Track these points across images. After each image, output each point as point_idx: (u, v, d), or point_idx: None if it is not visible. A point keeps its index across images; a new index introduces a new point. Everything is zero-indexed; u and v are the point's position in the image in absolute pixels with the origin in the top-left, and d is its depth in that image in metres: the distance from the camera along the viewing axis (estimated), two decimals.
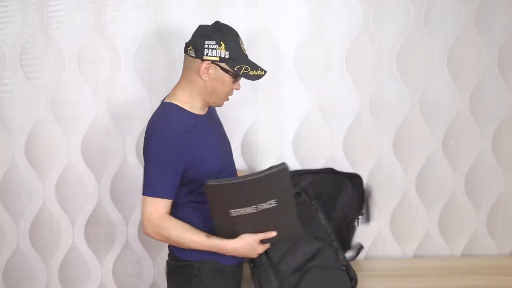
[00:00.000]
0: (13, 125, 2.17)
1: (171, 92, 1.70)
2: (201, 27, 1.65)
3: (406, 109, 2.30)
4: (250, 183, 1.53)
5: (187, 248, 1.61)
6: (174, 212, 1.64)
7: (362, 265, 2.29)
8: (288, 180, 1.57)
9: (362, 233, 2.38)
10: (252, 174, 1.55)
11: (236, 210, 1.54)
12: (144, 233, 1.62)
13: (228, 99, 1.71)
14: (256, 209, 1.54)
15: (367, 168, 2.33)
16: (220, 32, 1.60)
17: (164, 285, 1.84)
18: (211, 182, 1.52)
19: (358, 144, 2.31)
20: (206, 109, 1.71)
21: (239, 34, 1.66)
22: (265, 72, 1.66)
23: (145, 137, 1.64)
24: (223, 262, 1.69)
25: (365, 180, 2.26)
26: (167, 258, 1.78)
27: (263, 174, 1.53)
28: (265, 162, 2.27)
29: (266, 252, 1.75)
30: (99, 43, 2.15)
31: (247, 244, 1.60)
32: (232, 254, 1.62)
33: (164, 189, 1.59)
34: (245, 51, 1.65)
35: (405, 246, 2.41)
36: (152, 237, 1.61)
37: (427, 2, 2.22)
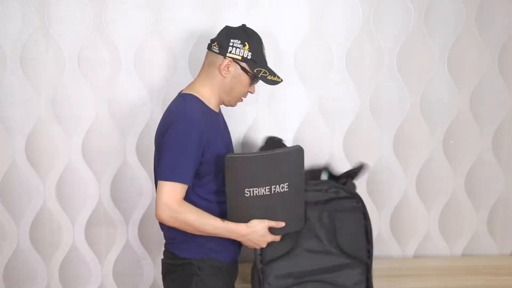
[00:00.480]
0: (14, 125, 2.17)
1: (189, 85, 1.74)
2: (228, 27, 1.71)
3: (406, 109, 2.30)
4: (267, 158, 1.59)
5: (202, 232, 1.61)
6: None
7: None
8: (302, 164, 1.64)
9: None
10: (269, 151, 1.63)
11: (250, 189, 1.57)
12: (157, 218, 1.60)
13: (242, 100, 1.77)
14: (269, 191, 1.58)
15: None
16: (246, 33, 1.68)
17: None
18: (231, 154, 1.59)
19: (358, 144, 2.31)
20: (219, 108, 1.76)
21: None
22: (282, 80, 1.72)
23: (166, 125, 1.63)
24: (222, 260, 1.70)
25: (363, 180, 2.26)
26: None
27: (280, 151, 1.62)
28: None
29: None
30: (100, 43, 2.15)
31: (258, 230, 1.62)
32: (243, 239, 1.63)
33: (184, 174, 1.58)
34: (266, 57, 1.72)
35: (405, 246, 2.41)
36: (166, 223, 1.60)
37: (427, 2, 2.22)
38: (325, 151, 2.31)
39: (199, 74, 1.74)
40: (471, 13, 2.25)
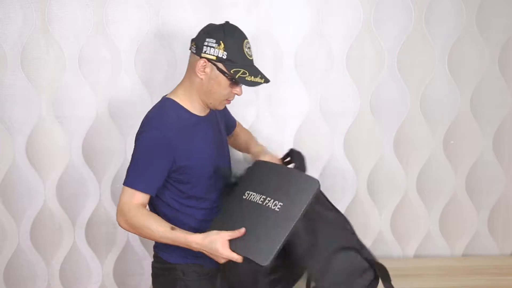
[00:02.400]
0: (14, 125, 2.17)
1: (174, 89, 1.68)
2: (208, 25, 1.62)
3: (407, 109, 2.30)
4: (286, 171, 1.59)
5: (152, 238, 1.57)
6: (171, 218, 1.63)
7: None
8: (308, 197, 1.50)
9: (363, 233, 2.38)
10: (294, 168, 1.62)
11: (250, 192, 1.54)
12: (118, 223, 1.59)
13: (228, 102, 1.67)
14: (262, 201, 1.51)
15: (367, 168, 2.33)
16: (223, 32, 1.56)
17: None
18: (263, 159, 1.64)
19: (359, 144, 2.31)
20: (207, 111, 1.68)
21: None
22: (266, 80, 1.60)
23: (138, 129, 1.61)
24: (208, 266, 1.66)
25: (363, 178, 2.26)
26: None
27: (302, 173, 1.58)
28: None
29: None
30: (100, 43, 2.15)
31: (211, 242, 1.46)
32: (197, 250, 1.51)
33: (146, 183, 1.56)
34: (249, 56, 1.59)
35: (405, 246, 2.41)
36: (122, 227, 1.58)
37: (428, 2, 2.22)
38: (326, 151, 2.31)
39: (182, 79, 1.67)
40: (471, 13, 2.25)
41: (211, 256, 1.50)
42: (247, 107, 2.23)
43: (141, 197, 1.55)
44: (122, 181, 2.27)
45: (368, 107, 2.29)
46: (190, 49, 1.62)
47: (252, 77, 1.57)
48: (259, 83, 1.58)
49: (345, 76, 2.26)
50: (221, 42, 1.54)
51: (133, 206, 1.54)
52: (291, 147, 1.79)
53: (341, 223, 1.67)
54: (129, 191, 1.55)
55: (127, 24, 2.14)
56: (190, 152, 1.59)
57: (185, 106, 1.62)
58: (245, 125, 2.26)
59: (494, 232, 2.43)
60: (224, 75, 1.56)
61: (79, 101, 2.18)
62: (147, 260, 2.31)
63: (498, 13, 2.26)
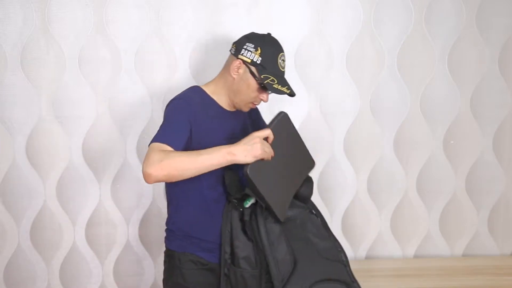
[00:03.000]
0: (14, 125, 2.17)
1: (206, 83, 1.76)
2: (251, 33, 1.73)
3: (407, 109, 2.30)
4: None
5: (193, 169, 1.49)
6: (176, 210, 1.69)
7: (363, 265, 2.29)
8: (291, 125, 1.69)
9: (363, 233, 2.39)
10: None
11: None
12: (145, 175, 1.46)
13: (253, 106, 1.74)
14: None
15: (367, 168, 2.33)
16: (263, 40, 1.68)
17: None
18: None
19: (359, 144, 2.31)
20: (233, 108, 1.75)
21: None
22: (292, 93, 1.67)
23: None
24: (206, 258, 1.69)
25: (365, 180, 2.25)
26: None
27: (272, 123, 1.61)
28: None
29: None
30: (100, 43, 2.15)
31: (249, 137, 1.52)
32: (234, 152, 1.49)
33: (171, 137, 1.54)
34: (282, 68, 1.69)
35: (405, 246, 2.41)
36: (154, 176, 1.46)
37: (428, 2, 2.22)
38: (326, 151, 2.31)
39: (217, 75, 1.76)
40: (471, 13, 2.25)
41: (245, 152, 1.49)
42: None
43: (168, 148, 1.52)
44: (122, 181, 2.28)
45: (368, 107, 2.29)
46: (230, 50, 1.72)
47: (280, 86, 1.66)
48: (284, 93, 1.67)
49: (345, 76, 2.26)
50: (259, 48, 1.66)
51: (161, 151, 1.48)
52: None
53: (334, 254, 1.70)
54: (155, 145, 1.52)
55: (127, 24, 2.14)
56: (207, 132, 1.63)
57: (213, 97, 1.71)
58: None
59: (494, 232, 2.43)
60: (255, 78, 1.65)
61: (79, 101, 2.18)
62: (147, 260, 2.31)
63: (498, 13, 2.26)
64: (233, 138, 1.69)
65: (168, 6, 2.15)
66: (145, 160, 1.49)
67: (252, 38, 1.68)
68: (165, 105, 1.66)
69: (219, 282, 1.71)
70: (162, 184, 2.25)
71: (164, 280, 1.77)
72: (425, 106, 2.31)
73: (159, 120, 1.66)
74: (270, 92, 1.68)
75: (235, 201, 1.64)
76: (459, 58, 2.28)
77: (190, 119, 1.60)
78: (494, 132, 2.36)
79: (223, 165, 1.51)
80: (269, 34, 1.72)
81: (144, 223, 2.28)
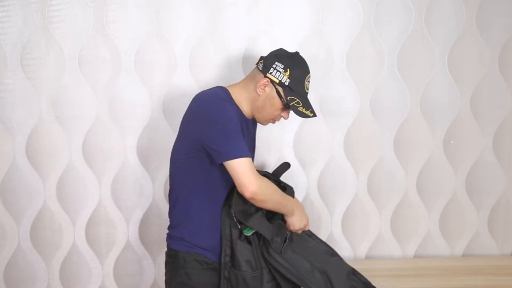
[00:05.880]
0: (14, 125, 2.17)
1: (229, 85, 1.76)
2: (281, 50, 1.73)
3: (407, 109, 2.30)
4: None
5: (279, 203, 1.67)
6: (186, 204, 1.70)
7: (362, 265, 2.28)
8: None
9: (363, 233, 2.39)
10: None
11: None
12: (249, 193, 1.55)
13: (273, 122, 1.77)
14: None
15: (367, 168, 2.33)
16: (293, 60, 1.68)
17: None
18: None
19: (359, 144, 2.31)
20: (251, 117, 1.76)
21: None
22: (314, 115, 1.70)
23: (200, 108, 1.63)
24: (210, 257, 1.70)
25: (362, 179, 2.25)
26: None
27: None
28: (266, 161, 2.27)
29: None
30: (100, 43, 2.15)
31: (302, 211, 1.77)
32: (297, 210, 1.74)
33: (243, 148, 1.57)
34: (307, 89, 1.71)
35: (405, 246, 2.41)
36: (257, 194, 1.55)
37: (428, 2, 2.22)
38: (326, 151, 2.31)
39: (240, 82, 1.75)
40: (471, 13, 2.25)
41: (298, 217, 1.74)
42: None
43: (252, 163, 1.59)
44: (122, 181, 2.28)
45: (368, 107, 2.29)
46: (257, 64, 1.71)
47: (304, 109, 1.69)
48: (308, 116, 1.69)
49: (345, 76, 2.26)
50: (288, 69, 1.65)
51: (258, 175, 1.58)
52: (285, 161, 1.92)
53: (330, 249, 1.81)
54: (242, 161, 1.54)
55: (127, 24, 2.14)
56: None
57: (236, 102, 1.70)
58: None
59: (494, 232, 2.43)
60: (281, 99, 1.67)
61: (79, 101, 2.18)
62: (147, 260, 2.31)
63: (498, 13, 2.26)
64: (249, 146, 1.75)
65: (168, 6, 2.15)
66: (243, 179, 1.53)
67: (282, 57, 1.67)
68: (198, 101, 1.65)
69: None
70: (163, 185, 2.25)
71: (167, 281, 1.76)
72: (425, 106, 2.31)
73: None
74: (290, 110, 1.71)
75: (237, 222, 1.68)
76: (459, 58, 2.28)
77: (238, 122, 1.61)
78: (494, 132, 2.36)
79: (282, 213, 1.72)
80: (297, 53, 1.72)
81: (144, 223, 2.28)
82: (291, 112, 1.72)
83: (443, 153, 2.35)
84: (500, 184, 2.40)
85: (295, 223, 1.73)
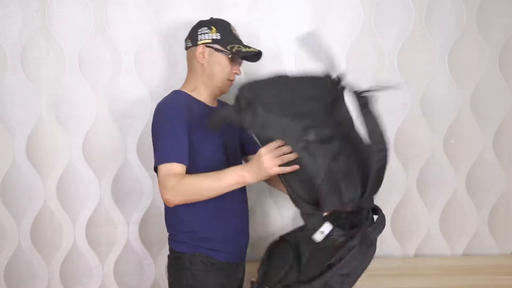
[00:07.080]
0: (14, 125, 2.17)
1: (181, 86, 1.81)
2: (197, 22, 1.80)
3: (407, 108, 2.30)
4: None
5: (207, 192, 1.53)
6: (185, 205, 1.66)
7: None
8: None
9: None
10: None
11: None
12: (164, 200, 1.56)
13: (231, 84, 1.78)
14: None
15: None
16: (211, 20, 1.76)
17: (166, 284, 1.84)
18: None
19: None
20: (216, 103, 1.79)
21: (238, 31, 1.79)
22: (259, 51, 1.74)
23: (153, 119, 1.67)
24: (216, 257, 1.70)
25: None
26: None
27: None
28: None
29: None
30: (100, 43, 2.15)
31: (257, 157, 1.48)
32: (245, 175, 1.50)
33: (178, 153, 1.57)
34: (238, 36, 1.77)
35: (406, 245, 2.41)
36: (171, 201, 1.54)
37: (428, 1, 2.22)
38: None
39: (187, 73, 1.81)
40: (472, 13, 2.25)
41: (259, 169, 1.47)
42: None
43: (179, 168, 1.56)
44: (123, 181, 2.28)
45: None
46: (185, 48, 1.78)
47: (247, 48, 1.72)
48: (254, 51, 1.72)
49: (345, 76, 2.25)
50: (212, 27, 1.73)
51: (174, 176, 1.54)
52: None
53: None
54: (165, 166, 1.56)
55: (127, 24, 2.14)
56: (202, 131, 1.63)
57: (193, 95, 1.74)
58: None
59: (495, 232, 2.43)
60: (223, 53, 1.71)
61: (79, 101, 2.18)
62: (147, 260, 2.31)
63: (498, 13, 2.26)
64: (220, 134, 1.72)
65: (168, 6, 2.15)
66: (160, 186, 1.54)
67: (200, 24, 1.76)
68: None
69: (228, 282, 1.72)
70: None
71: (170, 284, 1.76)
72: (425, 105, 2.31)
73: None
74: (240, 62, 1.76)
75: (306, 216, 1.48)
76: (459, 58, 2.28)
77: (184, 123, 1.61)
78: (495, 132, 2.36)
79: (237, 187, 1.53)
80: (212, 18, 1.80)
81: (144, 223, 2.28)
82: (243, 65, 1.78)
83: (443, 152, 2.35)
84: (501, 184, 2.40)
85: (258, 176, 1.49)
